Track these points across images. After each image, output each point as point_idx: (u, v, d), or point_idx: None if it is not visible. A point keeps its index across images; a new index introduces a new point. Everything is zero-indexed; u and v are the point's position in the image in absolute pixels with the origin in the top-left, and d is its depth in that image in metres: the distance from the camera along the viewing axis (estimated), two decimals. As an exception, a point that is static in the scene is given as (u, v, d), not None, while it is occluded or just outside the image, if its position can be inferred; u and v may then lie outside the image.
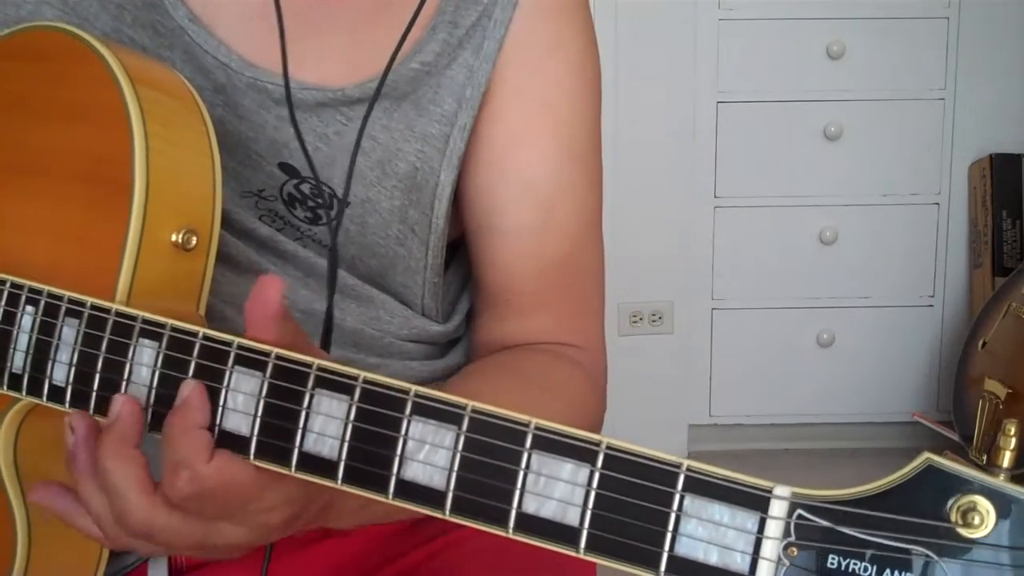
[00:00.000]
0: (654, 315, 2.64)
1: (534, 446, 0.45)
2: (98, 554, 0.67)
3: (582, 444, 0.45)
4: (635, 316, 2.64)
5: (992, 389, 2.25)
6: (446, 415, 0.47)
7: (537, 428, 0.45)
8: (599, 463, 0.44)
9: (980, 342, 2.38)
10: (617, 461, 0.44)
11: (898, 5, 2.55)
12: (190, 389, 0.53)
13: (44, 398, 0.59)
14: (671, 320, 2.65)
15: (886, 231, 2.64)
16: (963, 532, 0.38)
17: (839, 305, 2.67)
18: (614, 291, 2.84)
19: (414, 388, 0.48)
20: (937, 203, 2.65)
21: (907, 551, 0.39)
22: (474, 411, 0.47)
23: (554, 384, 0.78)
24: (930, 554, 0.39)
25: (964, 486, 0.38)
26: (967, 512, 0.38)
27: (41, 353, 0.59)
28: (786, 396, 2.69)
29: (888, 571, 0.39)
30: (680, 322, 2.65)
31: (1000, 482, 0.38)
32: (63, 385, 0.58)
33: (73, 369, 0.58)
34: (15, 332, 0.61)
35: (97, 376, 0.57)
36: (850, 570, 0.39)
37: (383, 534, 0.79)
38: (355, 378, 0.49)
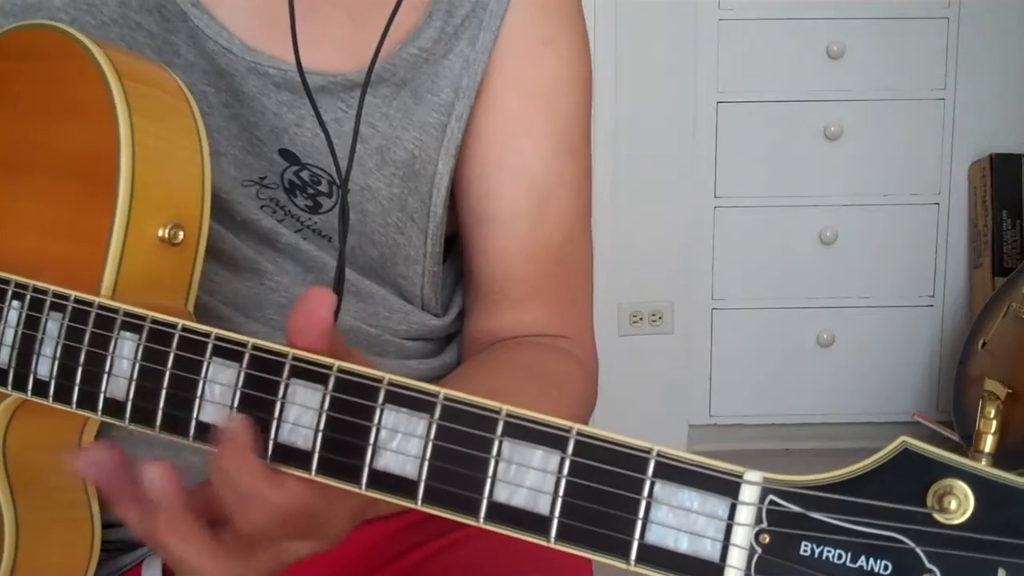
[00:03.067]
0: (654, 315, 2.64)
1: (505, 433, 0.45)
2: (88, 556, 0.67)
3: (553, 431, 0.44)
4: (635, 316, 2.64)
5: (992, 389, 2.24)
6: (419, 403, 0.47)
7: (508, 415, 0.45)
8: (570, 450, 0.44)
9: (980, 342, 2.38)
10: (588, 447, 0.43)
11: (898, 5, 2.55)
12: (234, 419, 0.50)
13: (29, 393, 0.59)
14: (671, 320, 2.65)
15: (886, 231, 2.64)
16: (939, 517, 0.37)
17: (839, 305, 2.66)
18: (614, 291, 2.84)
19: (388, 376, 0.48)
20: (937, 203, 2.65)
21: (882, 537, 0.38)
22: (446, 399, 0.46)
23: (555, 377, 0.79)
24: (906, 540, 0.38)
25: (942, 470, 0.37)
26: (943, 496, 0.37)
27: (26, 347, 0.59)
28: (786, 396, 2.69)
29: (863, 558, 0.38)
30: (680, 322, 2.65)
31: (980, 466, 0.37)
32: (47, 379, 0.58)
33: (56, 363, 0.58)
34: (1, 327, 0.60)
35: (79, 370, 0.57)
36: (824, 557, 0.39)
37: (385, 534, 0.79)
38: (330, 367, 0.49)
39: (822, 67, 2.57)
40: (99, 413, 0.56)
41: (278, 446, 0.50)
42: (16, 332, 0.60)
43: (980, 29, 2.56)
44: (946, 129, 2.61)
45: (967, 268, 2.66)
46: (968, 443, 2.29)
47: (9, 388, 0.60)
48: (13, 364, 0.60)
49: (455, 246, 0.87)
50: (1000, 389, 2.21)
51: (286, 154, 0.75)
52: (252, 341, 0.51)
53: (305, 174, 0.75)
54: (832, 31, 2.56)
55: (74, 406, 0.57)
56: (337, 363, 0.49)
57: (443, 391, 0.46)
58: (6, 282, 0.61)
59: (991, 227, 2.57)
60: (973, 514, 0.37)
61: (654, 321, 2.64)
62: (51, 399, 0.58)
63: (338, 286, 0.71)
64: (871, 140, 2.60)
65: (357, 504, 0.54)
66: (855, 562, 0.38)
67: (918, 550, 0.37)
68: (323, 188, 0.76)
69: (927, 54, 2.58)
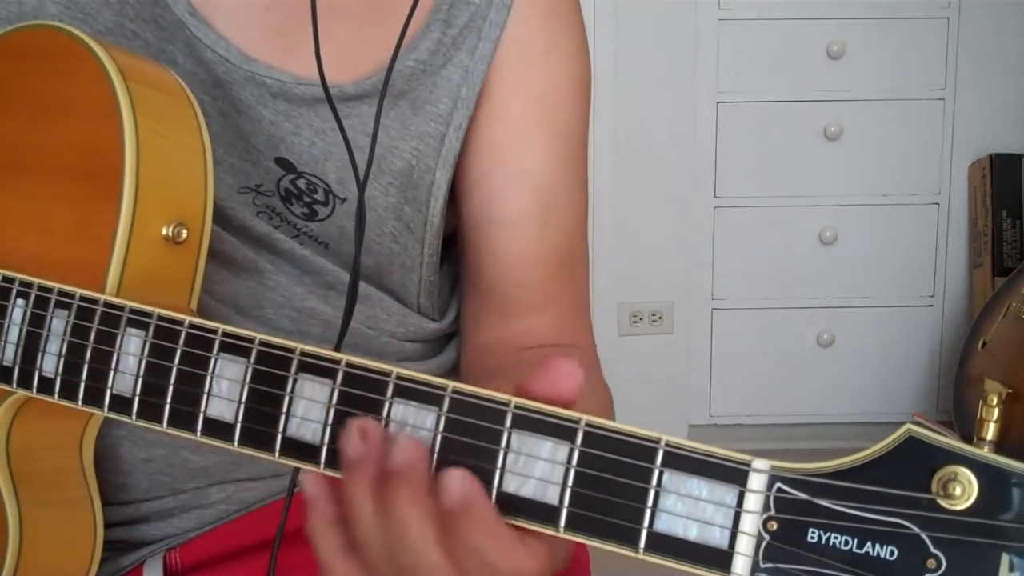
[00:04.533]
0: (654, 315, 2.64)
1: (514, 425, 0.45)
2: (90, 554, 0.67)
3: (562, 422, 0.44)
4: (635, 316, 2.64)
5: (992, 389, 2.24)
6: (427, 396, 0.47)
7: (517, 407, 0.45)
8: (578, 440, 0.44)
9: (980, 342, 2.38)
10: (596, 438, 0.44)
11: (898, 5, 2.55)
12: (465, 478, 0.45)
13: (34, 390, 0.59)
14: (671, 320, 2.65)
15: (886, 231, 2.64)
16: (944, 503, 0.37)
17: (839, 305, 2.66)
18: (614, 291, 2.84)
19: (395, 370, 0.48)
20: (937, 203, 2.65)
21: (888, 523, 0.39)
22: (455, 391, 0.46)
23: (592, 390, 0.78)
24: (911, 526, 0.38)
25: (946, 456, 0.38)
26: (948, 482, 0.37)
27: (31, 345, 0.59)
28: (786, 396, 2.69)
29: (869, 544, 0.39)
30: (680, 322, 2.65)
31: (983, 452, 0.37)
32: (52, 376, 0.58)
33: (62, 360, 0.58)
34: (6, 325, 0.61)
35: (85, 366, 0.57)
36: (831, 543, 0.39)
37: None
38: (338, 362, 0.49)
39: (822, 67, 2.58)
40: (105, 410, 0.56)
41: (286, 440, 0.50)
42: (21, 330, 0.60)
43: (980, 29, 2.57)
44: (946, 129, 2.61)
45: (967, 268, 2.66)
46: (968, 443, 2.29)
47: (14, 386, 0.60)
48: (18, 362, 0.60)
49: (452, 251, 0.87)
50: (1000, 389, 2.21)
51: (282, 162, 0.75)
52: (259, 336, 0.51)
53: (301, 182, 0.75)
54: (832, 31, 2.56)
55: (80, 403, 0.57)
56: (345, 357, 0.49)
57: (451, 384, 0.47)
58: (10, 280, 0.61)
59: (991, 227, 2.57)
60: (977, 500, 0.37)
61: (654, 321, 2.65)
62: (56, 396, 0.58)
63: (351, 296, 0.70)
64: (871, 140, 2.61)
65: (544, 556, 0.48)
66: (861, 548, 0.39)
67: (923, 535, 0.38)
68: (319, 196, 0.76)
69: (927, 54, 2.58)
